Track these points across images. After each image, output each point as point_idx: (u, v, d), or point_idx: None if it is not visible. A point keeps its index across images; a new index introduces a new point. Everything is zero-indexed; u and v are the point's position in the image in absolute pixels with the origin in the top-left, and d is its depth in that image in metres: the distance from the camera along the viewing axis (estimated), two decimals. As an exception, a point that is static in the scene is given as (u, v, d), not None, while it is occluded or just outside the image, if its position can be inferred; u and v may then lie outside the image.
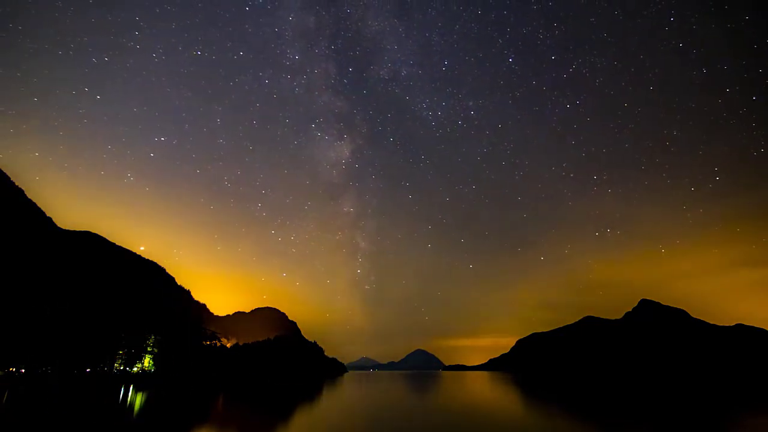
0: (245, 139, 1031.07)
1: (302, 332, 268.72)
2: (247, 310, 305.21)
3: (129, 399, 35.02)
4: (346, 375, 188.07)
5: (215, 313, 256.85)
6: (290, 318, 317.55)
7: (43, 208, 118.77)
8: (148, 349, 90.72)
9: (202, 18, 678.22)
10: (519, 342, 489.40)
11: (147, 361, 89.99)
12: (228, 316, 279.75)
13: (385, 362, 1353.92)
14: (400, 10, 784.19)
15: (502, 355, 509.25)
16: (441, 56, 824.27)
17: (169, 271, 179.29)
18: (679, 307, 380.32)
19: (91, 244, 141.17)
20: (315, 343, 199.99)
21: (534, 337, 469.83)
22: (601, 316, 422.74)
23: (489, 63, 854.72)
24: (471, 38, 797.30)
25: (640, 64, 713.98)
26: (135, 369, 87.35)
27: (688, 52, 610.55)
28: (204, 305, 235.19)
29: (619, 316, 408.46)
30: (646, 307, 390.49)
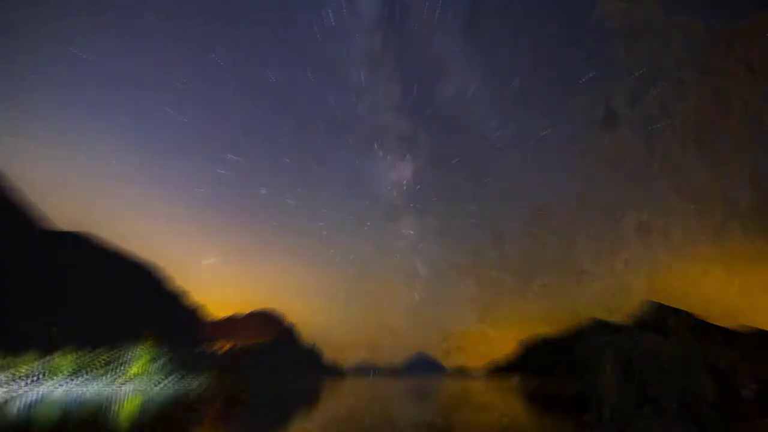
0: (309, 159, 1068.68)
1: (302, 335, 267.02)
2: (244, 312, 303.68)
3: (123, 401, 34.41)
4: (343, 378, 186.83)
5: (212, 315, 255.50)
6: (288, 320, 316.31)
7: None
8: (144, 350, 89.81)
9: (274, 43, 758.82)
10: (522, 343, 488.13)
11: (142, 363, 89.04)
12: (224, 318, 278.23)
13: (385, 366, 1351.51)
14: (467, 29, 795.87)
15: (506, 357, 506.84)
16: (510, 75, 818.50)
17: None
18: (678, 307, 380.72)
19: (90, 244, 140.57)
20: (313, 345, 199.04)
21: (536, 338, 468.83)
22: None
23: (562, 82, 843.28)
24: (543, 56, 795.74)
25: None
26: (130, 371, 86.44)
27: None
28: (200, 307, 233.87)
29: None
30: (646, 307, 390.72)
